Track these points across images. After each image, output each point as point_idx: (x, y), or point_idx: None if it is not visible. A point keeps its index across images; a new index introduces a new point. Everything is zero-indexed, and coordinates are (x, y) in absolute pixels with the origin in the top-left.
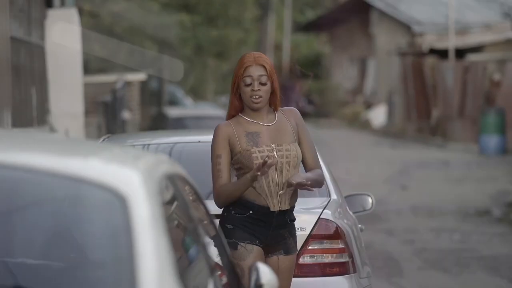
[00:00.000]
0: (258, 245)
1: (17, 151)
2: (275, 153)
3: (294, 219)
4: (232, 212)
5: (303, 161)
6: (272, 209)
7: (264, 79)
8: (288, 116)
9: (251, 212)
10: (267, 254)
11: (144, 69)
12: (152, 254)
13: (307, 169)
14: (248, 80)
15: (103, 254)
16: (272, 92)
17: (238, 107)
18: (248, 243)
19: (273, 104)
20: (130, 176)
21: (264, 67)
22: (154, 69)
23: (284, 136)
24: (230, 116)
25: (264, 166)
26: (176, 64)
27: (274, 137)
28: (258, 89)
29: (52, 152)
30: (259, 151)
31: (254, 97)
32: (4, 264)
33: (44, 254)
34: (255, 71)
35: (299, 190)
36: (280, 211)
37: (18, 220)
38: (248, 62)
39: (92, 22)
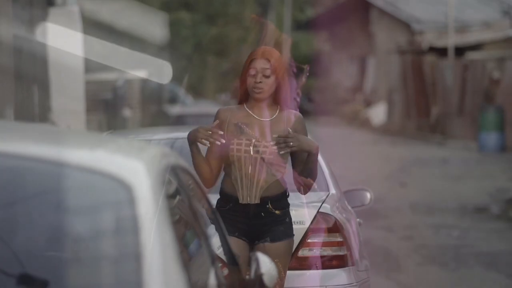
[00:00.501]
0: (237, 237)
1: (24, 141)
2: (251, 148)
3: (282, 208)
4: (217, 206)
5: (292, 163)
6: (240, 201)
7: (268, 72)
8: (290, 118)
9: (231, 204)
10: (254, 242)
11: (142, 68)
12: (157, 243)
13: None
14: (253, 72)
15: (108, 242)
16: (278, 88)
17: (244, 98)
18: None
19: (277, 100)
20: (135, 166)
21: (270, 61)
22: (151, 68)
23: (272, 133)
24: (237, 103)
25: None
26: (166, 65)
27: (262, 132)
28: (260, 81)
29: (59, 143)
30: (237, 144)
31: (256, 88)
32: (9, 254)
33: (50, 243)
34: (260, 64)
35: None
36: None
37: (24, 210)
38: (255, 56)
39: (93, 20)
